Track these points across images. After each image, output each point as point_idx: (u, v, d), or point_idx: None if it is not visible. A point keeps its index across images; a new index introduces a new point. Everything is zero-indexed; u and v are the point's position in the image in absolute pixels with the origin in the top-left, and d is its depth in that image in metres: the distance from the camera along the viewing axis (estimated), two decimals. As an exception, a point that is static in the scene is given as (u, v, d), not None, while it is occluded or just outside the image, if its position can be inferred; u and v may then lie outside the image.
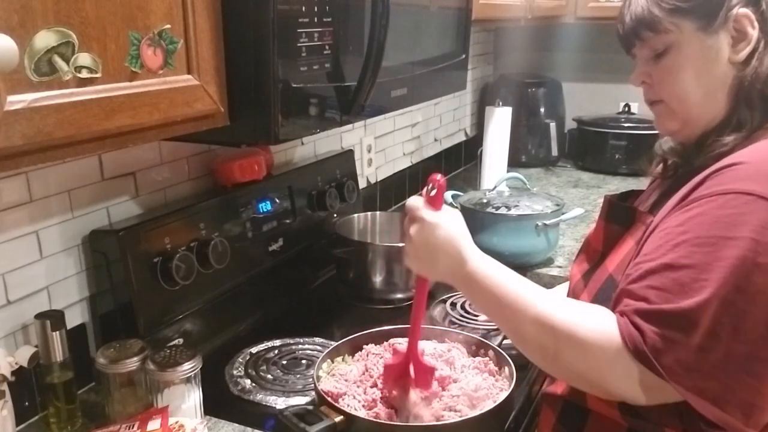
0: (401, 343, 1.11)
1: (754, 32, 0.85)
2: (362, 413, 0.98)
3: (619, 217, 0.96)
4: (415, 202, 0.92)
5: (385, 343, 1.19)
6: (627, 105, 2.80)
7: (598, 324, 0.80)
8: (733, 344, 0.74)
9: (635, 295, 0.79)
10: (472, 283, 0.89)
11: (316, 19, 0.97)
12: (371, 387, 1.05)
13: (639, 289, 0.79)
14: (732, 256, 0.74)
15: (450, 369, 1.09)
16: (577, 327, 0.81)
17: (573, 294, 1.02)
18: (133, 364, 1.02)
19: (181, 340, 1.22)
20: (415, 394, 1.01)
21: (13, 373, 0.92)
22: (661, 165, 1.01)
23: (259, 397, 1.14)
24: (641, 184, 1.08)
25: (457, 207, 1.79)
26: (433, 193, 0.91)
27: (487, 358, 1.13)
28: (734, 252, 0.74)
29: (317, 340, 1.33)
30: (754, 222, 0.75)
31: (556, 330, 0.81)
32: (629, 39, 0.93)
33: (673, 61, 0.89)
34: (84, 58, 0.70)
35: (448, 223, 0.90)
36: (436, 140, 2.53)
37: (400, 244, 1.53)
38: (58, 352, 1.03)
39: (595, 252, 1.01)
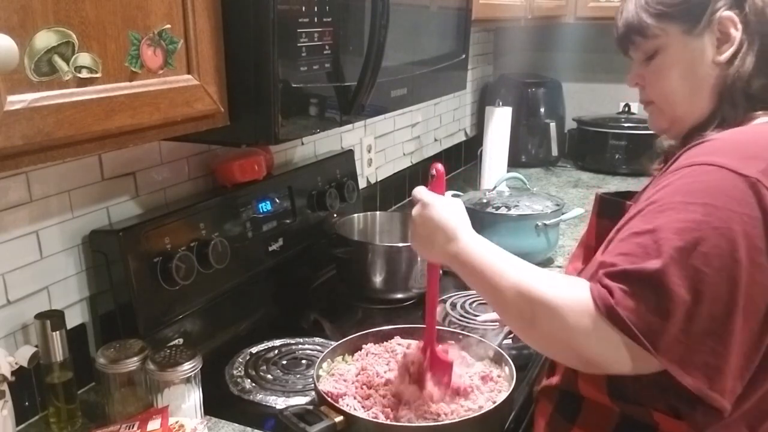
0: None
1: (737, 34, 0.88)
2: (362, 413, 0.98)
3: (609, 211, 1.00)
4: (420, 187, 1.01)
5: (385, 343, 1.19)
6: (627, 105, 2.80)
7: (571, 289, 0.82)
8: (695, 307, 0.75)
9: (606, 263, 0.81)
10: (463, 260, 0.92)
11: (316, 19, 0.97)
12: (368, 388, 1.05)
13: (609, 257, 0.82)
14: (689, 219, 0.77)
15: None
16: (551, 291, 0.83)
17: None
18: (133, 364, 1.02)
19: (181, 340, 1.22)
20: (429, 387, 1.02)
21: (13, 373, 0.92)
22: (661, 163, 1.03)
23: (259, 397, 1.14)
24: (641, 184, 1.08)
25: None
26: (432, 179, 1.00)
27: (487, 359, 1.13)
28: (690, 216, 0.77)
29: (317, 340, 1.33)
30: (711, 189, 0.78)
31: (532, 295, 0.83)
32: (623, 43, 0.98)
33: (661, 63, 0.94)
34: (84, 58, 0.70)
35: (445, 204, 0.96)
36: (436, 140, 2.53)
37: (400, 244, 1.54)
38: (58, 352, 1.03)
39: (588, 249, 1.03)
